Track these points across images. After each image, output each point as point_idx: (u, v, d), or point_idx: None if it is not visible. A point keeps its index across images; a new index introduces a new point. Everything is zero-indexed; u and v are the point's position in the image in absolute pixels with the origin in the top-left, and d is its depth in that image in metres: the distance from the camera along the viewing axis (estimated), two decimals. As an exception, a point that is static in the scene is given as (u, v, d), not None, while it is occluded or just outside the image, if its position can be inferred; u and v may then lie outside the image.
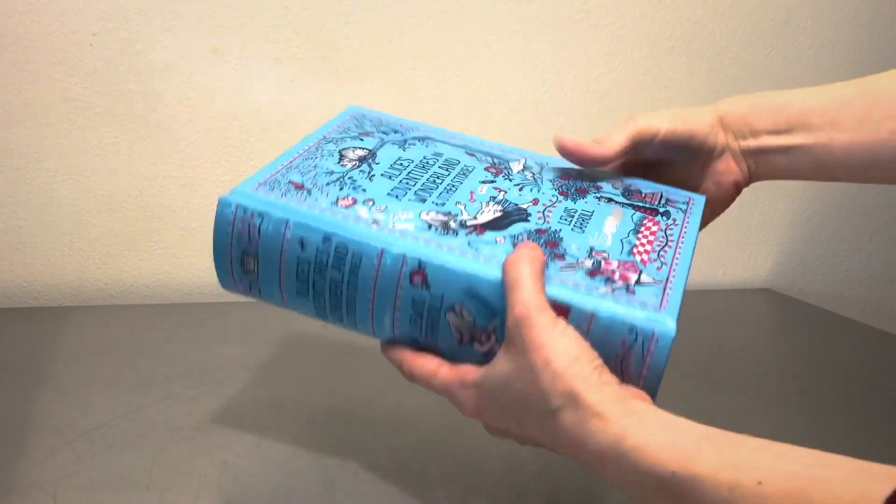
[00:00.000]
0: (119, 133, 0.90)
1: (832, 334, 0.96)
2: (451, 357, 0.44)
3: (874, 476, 0.28)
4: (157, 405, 0.64)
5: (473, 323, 0.42)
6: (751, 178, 0.54)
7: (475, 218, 0.45)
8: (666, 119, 0.50)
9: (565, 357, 0.37)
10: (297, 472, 0.54)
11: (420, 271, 0.42)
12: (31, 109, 0.87)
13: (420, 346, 0.45)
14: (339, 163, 0.49)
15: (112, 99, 0.89)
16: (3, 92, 0.86)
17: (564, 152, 0.49)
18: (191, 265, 0.96)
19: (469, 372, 0.42)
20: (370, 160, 0.50)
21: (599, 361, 0.39)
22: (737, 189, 0.55)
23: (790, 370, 0.84)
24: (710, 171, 0.53)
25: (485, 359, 0.42)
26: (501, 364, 0.40)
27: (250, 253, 0.45)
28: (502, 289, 0.40)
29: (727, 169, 0.53)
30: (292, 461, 0.55)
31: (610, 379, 0.38)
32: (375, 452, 0.57)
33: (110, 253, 0.93)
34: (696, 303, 1.07)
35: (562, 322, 0.39)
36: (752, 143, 0.52)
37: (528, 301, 0.39)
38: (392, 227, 0.44)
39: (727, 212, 1.24)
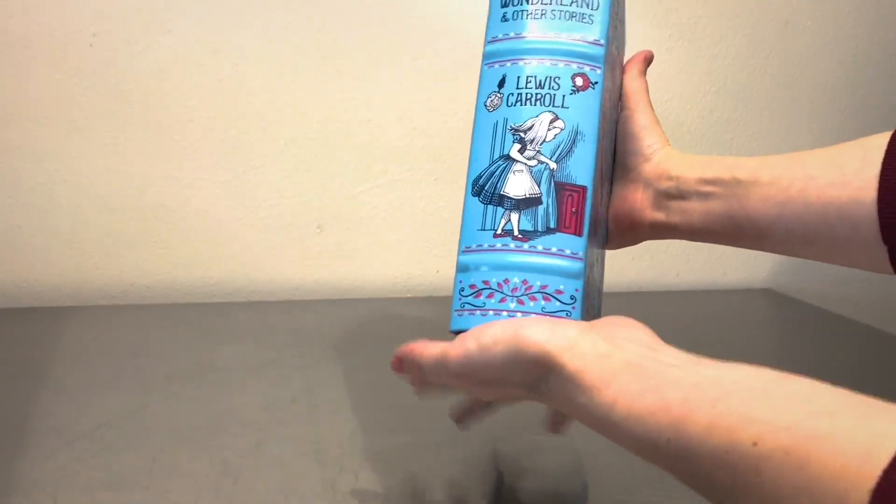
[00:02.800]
0: (119, 133, 0.90)
1: (832, 334, 0.96)
2: None
3: (881, 429, 0.26)
4: (157, 405, 0.64)
5: None
6: (650, 226, 0.51)
7: None
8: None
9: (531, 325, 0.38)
10: (297, 472, 0.54)
11: None
12: (31, 109, 0.87)
13: None
14: None
15: (112, 99, 0.89)
16: (3, 92, 0.86)
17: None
18: (191, 265, 0.96)
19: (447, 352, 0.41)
20: None
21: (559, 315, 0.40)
22: (631, 227, 0.51)
23: (790, 370, 0.83)
24: (621, 187, 0.51)
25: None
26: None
27: None
28: None
29: (633, 198, 0.51)
30: (292, 461, 0.55)
31: (578, 325, 0.37)
32: (376, 452, 0.57)
33: (110, 253, 0.93)
34: (696, 303, 1.08)
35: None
36: (674, 183, 0.49)
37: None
38: None
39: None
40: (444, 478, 0.54)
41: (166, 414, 0.62)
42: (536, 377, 0.37)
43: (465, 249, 0.45)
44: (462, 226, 0.46)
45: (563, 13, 0.47)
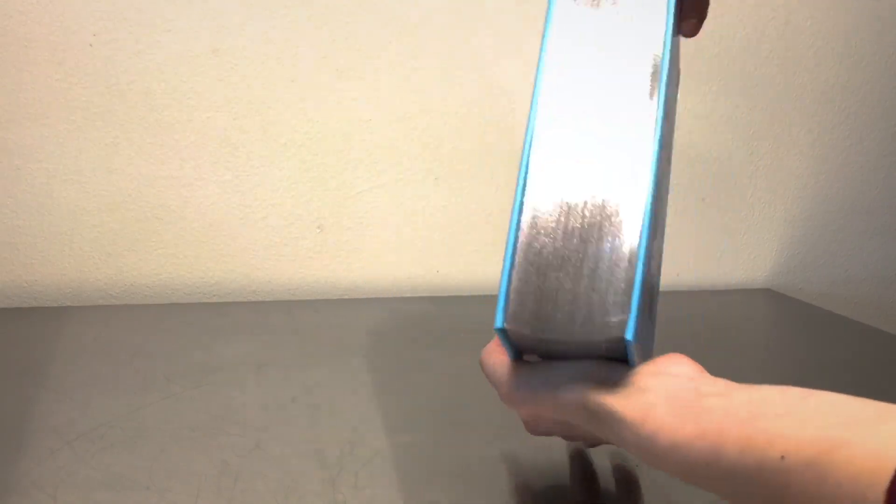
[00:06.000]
0: (119, 133, 0.90)
1: (832, 334, 0.96)
2: None
3: (893, 432, 0.28)
4: (157, 405, 0.64)
5: None
6: None
7: None
8: None
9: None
10: (297, 472, 0.54)
11: None
12: (31, 109, 0.87)
13: None
14: None
15: (112, 99, 0.89)
16: (3, 92, 0.86)
17: None
18: (191, 265, 0.96)
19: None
20: None
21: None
22: None
23: (790, 370, 0.83)
24: None
25: None
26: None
27: None
28: None
29: None
30: (292, 461, 0.55)
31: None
32: (376, 452, 0.57)
33: (110, 253, 0.93)
34: (696, 303, 1.07)
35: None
36: None
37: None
38: None
39: (727, 212, 1.24)
40: (444, 478, 0.54)
41: (166, 414, 0.62)
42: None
43: None
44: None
45: None
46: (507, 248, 0.40)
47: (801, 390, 0.34)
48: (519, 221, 0.40)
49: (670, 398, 0.36)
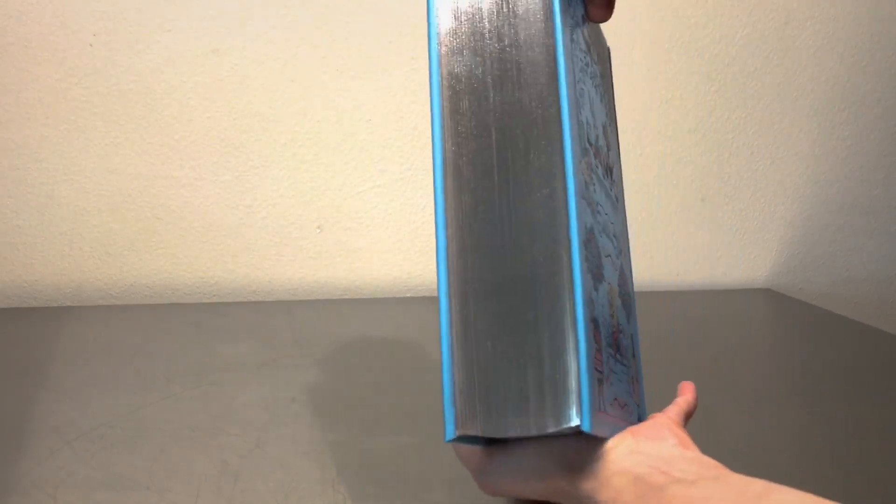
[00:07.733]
0: (119, 133, 0.91)
1: (832, 334, 0.96)
2: None
3: None
4: (157, 405, 0.64)
5: None
6: None
7: None
8: None
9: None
10: (297, 472, 0.54)
11: None
12: (31, 109, 0.87)
13: None
14: None
15: (112, 99, 0.89)
16: (3, 92, 0.86)
17: None
18: (191, 265, 0.96)
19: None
20: None
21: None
22: None
23: (790, 370, 0.83)
24: None
25: None
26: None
27: None
28: None
29: None
30: (292, 461, 0.55)
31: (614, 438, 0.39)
32: (375, 452, 0.57)
33: (110, 253, 0.93)
34: (696, 303, 1.07)
35: None
36: None
37: None
38: None
39: (727, 212, 1.24)
40: (444, 478, 0.54)
41: (166, 414, 0.62)
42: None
43: None
44: None
45: None
46: (442, 344, 0.36)
47: (762, 487, 0.34)
48: (449, 304, 0.36)
49: (638, 482, 0.36)
